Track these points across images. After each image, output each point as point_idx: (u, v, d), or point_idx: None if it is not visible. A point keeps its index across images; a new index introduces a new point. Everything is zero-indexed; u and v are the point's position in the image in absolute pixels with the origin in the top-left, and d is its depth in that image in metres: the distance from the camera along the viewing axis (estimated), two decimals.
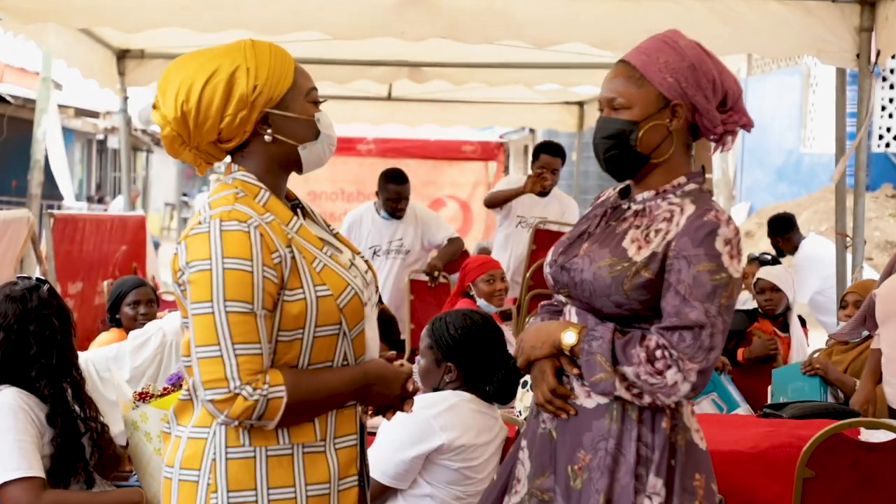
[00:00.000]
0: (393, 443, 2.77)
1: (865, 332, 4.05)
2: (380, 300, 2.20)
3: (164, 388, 2.78)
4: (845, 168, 4.93)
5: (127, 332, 3.98)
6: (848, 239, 5.21)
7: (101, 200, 21.29)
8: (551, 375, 2.11)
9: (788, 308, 4.97)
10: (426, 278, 5.92)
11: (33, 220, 5.11)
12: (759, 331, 4.89)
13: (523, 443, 2.22)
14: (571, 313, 2.14)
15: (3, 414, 2.60)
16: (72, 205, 15.80)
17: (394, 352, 2.14)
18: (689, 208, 2.05)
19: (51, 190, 14.07)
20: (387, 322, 3.86)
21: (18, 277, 2.87)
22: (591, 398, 2.07)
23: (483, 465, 2.85)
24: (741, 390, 4.40)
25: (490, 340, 2.94)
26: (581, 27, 4.77)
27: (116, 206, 16.77)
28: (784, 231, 6.78)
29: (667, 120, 2.08)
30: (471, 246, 8.28)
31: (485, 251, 7.19)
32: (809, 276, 6.36)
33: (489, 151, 10.16)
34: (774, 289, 4.90)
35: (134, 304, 4.30)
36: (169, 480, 1.95)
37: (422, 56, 6.65)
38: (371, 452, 2.58)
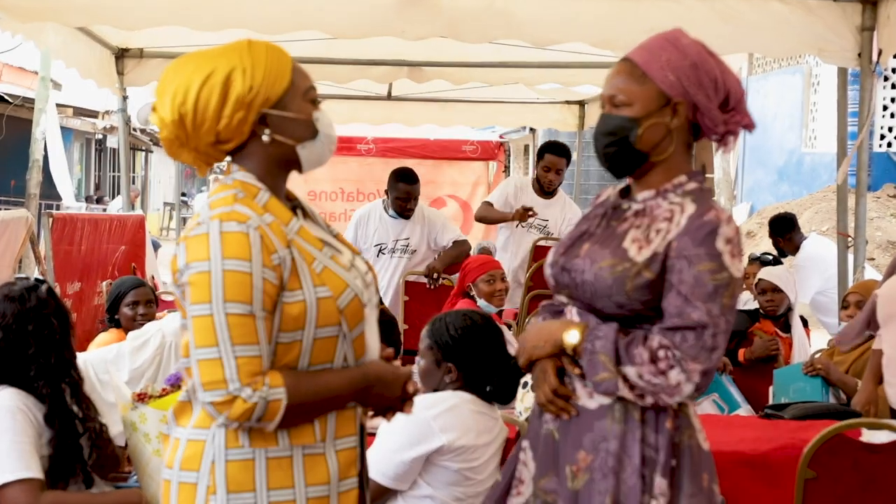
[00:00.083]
0: (393, 444, 2.76)
1: (867, 333, 4.04)
2: (380, 301, 2.19)
3: (163, 389, 2.77)
4: (849, 167, 4.92)
5: (126, 333, 3.97)
6: (849, 239, 5.20)
7: (99, 200, 21.30)
8: (553, 375, 2.10)
9: (790, 308, 4.96)
10: (424, 280, 5.91)
11: (32, 220, 5.09)
12: (761, 331, 4.88)
13: (525, 443, 2.21)
14: (573, 314, 2.13)
15: (1, 415, 2.59)
16: (71, 205, 15.80)
17: (391, 349, 2.12)
18: (690, 207, 2.04)
19: (49, 190, 14.08)
20: (387, 323, 3.84)
21: (17, 277, 2.86)
22: (593, 399, 2.07)
23: (483, 466, 2.84)
24: (742, 391, 4.39)
25: (490, 341, 2.93)
26: (581, 27, 4.76)
27: (115, 206, 16.77)
28: (785, 231, 6.77)
29: (667, 118, 2.07)
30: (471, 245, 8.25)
31: (485, 251, 7.18)
32: (811, 277, 6.36)
33: (489, 151, 10.15)
34: (776, 289, 4.89)
35: (133, 304, 4.29)
36: (168, 482, 1.95)
37: (422, 55, 6.64)
38: (371, 453, 2.57)
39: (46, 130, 5.94)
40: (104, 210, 17.87)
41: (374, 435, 2.79)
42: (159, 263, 8.03)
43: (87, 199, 21.14)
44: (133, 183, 24.15)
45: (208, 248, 1.86)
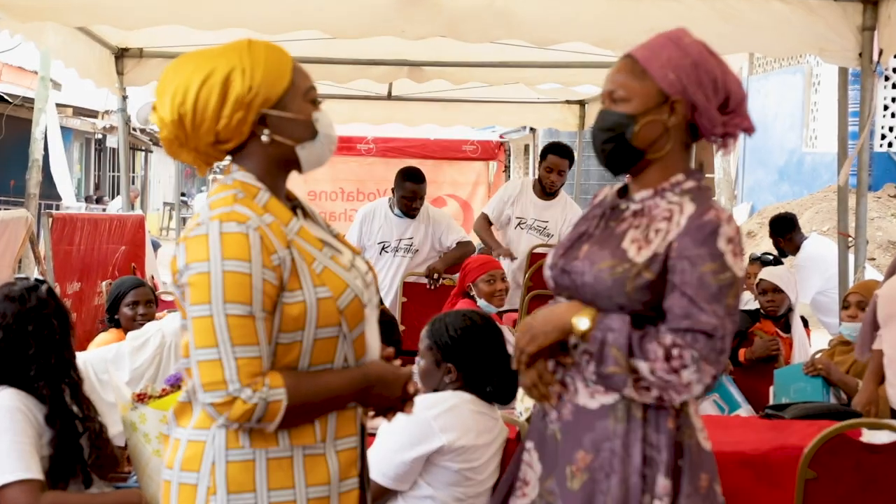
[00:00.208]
0: (393, 444, 2.76)
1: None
2: (380, 301, 2.18)
3: (163, 389, 2.77)
4: (858, 171, 4.91)
5: (126, 333, 3.96)
6: (850, 239, 5.20)
7: (99, 200, 21.29)
8: (543, 361, 2.09)
9: (790, 308, 4.95)
10: (423, 280, 5.91)
11: (31, 220, 5.09)
12: (761, 331, 4.88)
13: (529, 444, 2.20)
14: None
15: (1, 415, 2.59)
16: (70, 205, 15.80)
17: (391, 349, 2.11)
18: (689, 207, 2.03)
19: (49, 190, 14.08)
20: (388, 323, 3.84)
21: (17, 277, 2.86)
22: (594, 398, 2.06)
23: (483, 467, 2.84)
24: (743, 391, 4.39)
25: (490, 341, 2.93)
26: (582, 26, 4.75)
27: (115, 206, 16.77)
28: (786, 231, 6.77)
29: (665, 116, 2.07)
30: None
31: (485, 251, 7.17)
32: (811, 277, 6.35)
33: (489, 151, 10.15)
34: (777, 289, 4.89)
35: (133, 304, 4.29)
36: (168, 483, 1.95)
37: (422, 55, 6.64)
38: (371, 454, 2.57)
39: (47, 130, 5.94)
40: (104, 210, 17.87)
41: (374, 435, 2.79)
42: (159, 263, 8.02)
43: (87, 199, 21.13)
44: (133, 183, 24.16)
45: (208, 249, 1.86)
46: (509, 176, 18.43)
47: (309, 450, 1.93)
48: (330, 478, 1.94)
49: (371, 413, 2.07)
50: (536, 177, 6.49)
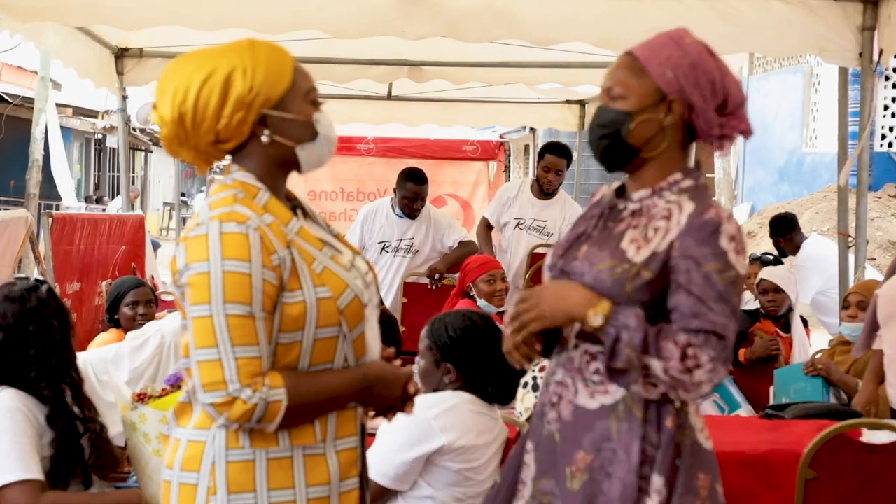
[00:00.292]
0: (393, 444, 2.76)
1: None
2: (381, 301, 2.18)
3: (163, 389, 2.77)
4: (858, 171, 4.91)
5: (126, 333, 3.96)
6: (850, 239, 5.19)
7: (99, 200, 21.29)
8: (528, 331, 2.07)
9: (791, 308, 4.95)
10: (423, 281, 5.90)
11: (31, 221, 5.09)
12: (761, 331, 4.88)
13: (529, 445, 2.20)
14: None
15: (1, 415, 2.59)
16: (70, 204, 15.79)
17: (392, 349, 2.11)
18: (688, 206, 2.03)
19: (49, 190, 14.07)
20: (388, 323, 3.84)
21: (17, 278, 2.85)
22: (594, 399, 2.06)
23: (484, 467, 2.84)
24: (743, 391, 4.39)
25: (489, 341, 2.92)
26: (582, 26, 4.75)
27: (115, 206, 16.77)
28: (786, 231, 6.77)
29: (661, 115, 2.07)
30: None
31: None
32: (811, 277, 6.35)
33: (490, 151, 10.13)
34: (777, 289, 4.89)
35: (133, 304, 4.29)
36: (168, 483, 1.95)
37: (422, 55, 6.64)
38: (371, 454, 2.57)
39: (47, 130, 5.94)
40: (104, 210, 17.87)
41: (374, 435, 2.78)
42: (159, 263, 8.02)
43: (87, 199, 21.13)
44: (133, 183, 24.17)
45: (208, 249, 1.86)
46: (509, 176, 18.43)
47: (309, 450, 1.93)
48: (330, 478, 1.94)
49: (371, 413, 2.07)
50: (535, 177, 6.49)
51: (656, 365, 1.95)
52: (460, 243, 6.05)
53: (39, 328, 2.68)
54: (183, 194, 26.99)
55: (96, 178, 25.55)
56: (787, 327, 4.95)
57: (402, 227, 6.02)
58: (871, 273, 6.25)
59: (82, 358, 3.33)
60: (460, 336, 2.88)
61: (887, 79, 14.23)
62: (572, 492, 2.04)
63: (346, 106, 8.43)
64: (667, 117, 2.07)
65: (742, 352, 4.81)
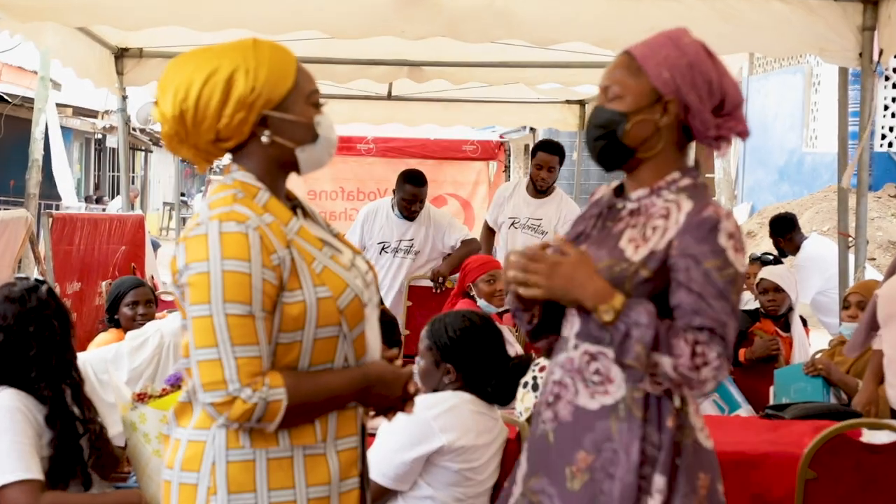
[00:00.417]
0: (393, 444, 2.76)
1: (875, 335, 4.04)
2: (381, 301, 2.18)
3: (163, 389, 2.76)
4: (858, 171, 4.90)
5: (125, 333, 3.96)
6: (850, 239, 5.19)
7: (99, 200, 21.28)
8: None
9: (791, 308, 4.95)
10: (429, 284, 5.89)
11: (31, 221, 5.09)
12: (761, 331, 4.88)
13: (525, 444, 2.21)
14: (573, 314, 2.12)
15: (1, 416, 2.58)
16: (70, 204, 15.79)
17: (395, 350, 2.11)
18: (687, 204, 2.03)
19: (49, 190, 14.07)
20: (388, 323, 3.84)
21: (17, 278, 2.85)
22: (594, 399, 2.06)
23: (483, 467, 2.84)
24: (743, 391, 4.39)
25: (489, 341, 2.93)
26: (582, 26, 4.75)
27: (115, 206, 16.77)
28: (786, 231, 6.76)
29: (657, 115, 2.06)
30: None
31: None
32: (811, 277, 6.35)
33: (490, 151, 10.13)
34: (777, 289, 4.89)
35: (132, 304, 4.28)
36: (169, 483, 1.95)
37: (422, 55, 6.63)
38: (371, 454, 2.57)
39: (47, 130, 5.94)
40: (103, 210, 17.87)
41: (374, 435, 2.78)
42: (159, 263, 8.02)
43: (87, 199, 21.12)
44: (132, 183, 24.17)
45: (207, 249, 1.86)
46: (509, 176, 18.43)
47: (309, 450, 1.92)
48: (330, 478, 1.93)
49: (371, 413, 2.07)
50: (528, 175, 6.47)
51: (666, 362, 1.95)
52: (462, 242, 6.04)
53: (40, 328, 2.68)
54: (183, 194, 26.99)
55: (96, 178, 25.55)
56: (786, 327, 4.95)
57: (402, 228, 6.02)
58: (871, 273, 6.25)
59: (82, 358, 3.33)
60: (460, 336, 2.88)
61: (887, 79, 14.23)
62: (573, 492, 2.04)
63: (346, 106, 8.43)
64: (663, 118, 2.06)
65: (742, 352, 4.80)
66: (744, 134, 2.10)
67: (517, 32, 4.81)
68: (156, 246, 9.65)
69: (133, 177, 25.68)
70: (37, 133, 5.47)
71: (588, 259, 2.02)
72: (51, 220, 5.45)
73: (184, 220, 11.63)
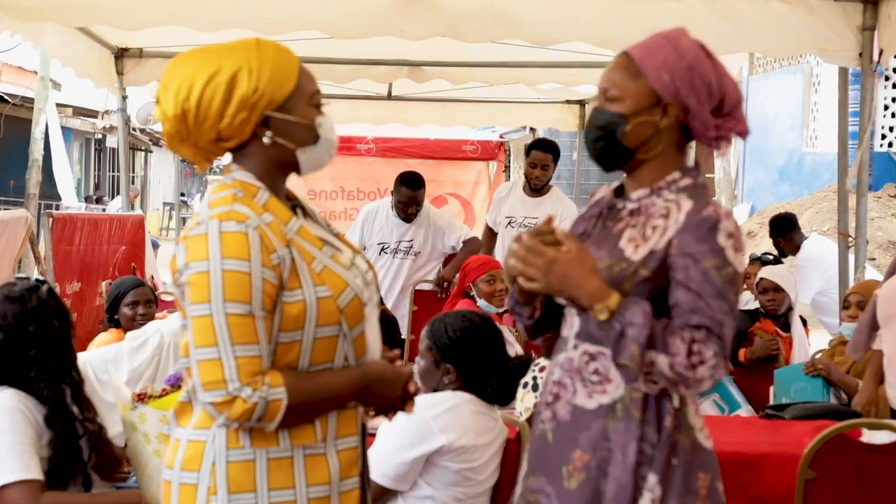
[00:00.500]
0: (393, 444, 2.76)
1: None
2: (381, 300, 2.18)
3: (163, 389, 2.76)
4: (857, 171, 4.90)
5: (125, 333, 3.96)
6: (850, 239, 5.20)
7: (99, 200, 21.28)
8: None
9: (790, 308, 4.95)
10: (434, 289, 5.89)
11: (31, 221, 5.09)
12: (761, 331, 4.88)
13: (528, 445, 2.21)
14: (572, 315, 2.12)
15: (1, 416, 2.58)
16: (70, 204, 15.79)
17: (397, 351, 2.11)
18: (687, 204, 2.03)
19: (49, 190, 14.07)
20: (388, 323, 3.85)
21: (17, 278, 2.85)
22: (592, 399, 2.06)
23: (483, 467, 2.84)
24: (743, 391, 4.39)
25: (489, 341, 2.93)
26: (582, 26, 4.75)
27: (115, 206, 16.77)
28: (786, 231, 6.76)
29: (657, 117, 2.06)
30: None
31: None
32: (811, 277, 6.35)
33: (490, 151, 10.13)
34: (777, 289, 4.89)
35: (132, 304, 4.28)
36: (169, 483, 1.94)
37: (422, 55, 6.64)
38: (371, 454, 2.56)
39: (48, 130, 5.94)
40: (104, 210, 17.86)
41: (374, 435, 2.78)
42: (159, 263, 8.02)
43: (87, 199, 21.12)
44: (132, 183, 24.17)
45: (207, 248, 1.86)
46: (509, 176, 18.42)
47: (309, 449, 1.92)
48: (331, 477, 1.93)
49: (371, 412, 2.07)
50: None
51: (662, 360, 1.95)
52: (464, 243, 6.05)
53: (40, 328, 2.68)
54: (183, 194, 26.99)
55: (96, 178, 25.55)
56: (786, 327, 4.95)
57: (402, 228, 6.03)
58: (871, 273, 6.25)
59: (82, 358, 3.33)
60: (460, 336, 2.88)
61: (887, 79, 14.23)
62: (569, 491, 2.04)
63: (346, 106, 8.43)
64: (662, 120, 2.06)
65: (742, 352, 4.81)
66: (743, 133, 2.10)
67: (517, 32, 4.81)
68: (155, 245, 9.65)
69: (133, 177, 25.68)
70: (37, 133, 5.48)
71: (587, 256, 2.02)
72: (51, 220, 5.45)
73: (184, 220, 11.63)
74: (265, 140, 1.96)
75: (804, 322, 5.16)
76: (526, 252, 2.01)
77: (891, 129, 14.40)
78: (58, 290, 4.84)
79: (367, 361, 2.00)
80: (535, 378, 3.49)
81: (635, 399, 2.02)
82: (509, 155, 17.38)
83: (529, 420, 2.78)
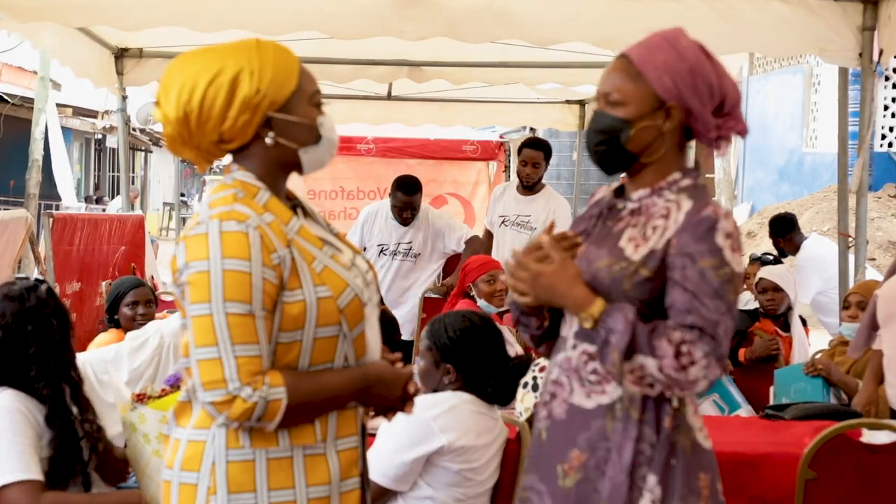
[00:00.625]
0: (393, 445, 2.76)
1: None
2: (381, 300, 2.18)
3: (163, 390, 2.76)
4: (861, 173, 4.90)
5: (125, 333, 3.96)
6: (850, 239, 5.19)
7: (99, 200, 21.28)
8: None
9: (790, 308, 4.95)
10: (439, 296, 5.89)
11: (31, 221, 5.09)
12: (761, 330, 4.88)
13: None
14: (571, 315, 2.12)
15: (1, 416, 2.58)
16: (70, 204, 15.79)
17: (399, 353, 2.11)
18: (687, 204, 2.03)
19: (49, 190, 14.07)
20: (388, 323, 3.84)
21: (17, 277, 2.85)
22: (590, 398, 2.06)
23: (484, 467, 2.84)
24: (743, 391, 4.39)
25: (489, 341, 2.92)
26: (582, 26, 4.75)
27: (115, 206, 16.77)
28: (785, 231, 6.76)
29: (660, 121, 2.06)
30: None
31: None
32: (811, 277, 6.35)
33: (489, 151, 10.13)
34: (776, 288, 4.89)
35: (132, 304, 4.28)
36: (168, 483, 1.95)
37: (422, 55, 6.64)
38: (371, 454, 2.56)
39: (48, 130, 5.94)
40: (103, 210, 17.86)
41: (374, 435, 2.78)
42: (158, 263, 8.02)
43: (87, 199, 21.12)
44: (132, 183, 24.16)
45: (208, 248, 1.86)
46: (509, 176, 18.40)
47: (309, 450, 1.92)
48: (331, 477, 1.93)
49: (371, 413, 2.07)
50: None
51: (651, 363, 1.95)
52: (466, 244, 6.05)
53: (38, 327, 2.68)
54: (183, 194, 26.99)
55: (96, 178, 25.55)
56: (786, 326, 4.95)
57: (400, 230, 6.04)
58: (871, 273, 6.25)
59: (82, 358, 3.32)
60: (460, 337, 2.88)
61: (887, 79, 14.23)
62: (565, 489, 2.05)
63: (346, 106, 8.43)
64: (665, 123, 2.06)
65: (742, 352, 4.81)
66: (743, 132, 2.10)
67: (517, 32, 4.81)
68: (151, 241, 9.64)
69: (133, 177, 25.68)
70: (37, 133, 5.48)
71: (570, 266, 2.06)
72: (51, 220, 5.45)
73: (184, 220, 11.63)
74: (268, 141, 1.96)
75: (804, 322, 5.16)
76: (514, 268, 2.07)
77: (891, 129, 14.41)
78: (58, 290, 4.85)
79: (367, 362, 2.00)
80: (535, 378, 3.49)
81: (634, 399, 2.02)
82: (509, 155, 17.36)
83: (529, 420, 2.78)
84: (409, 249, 6.04)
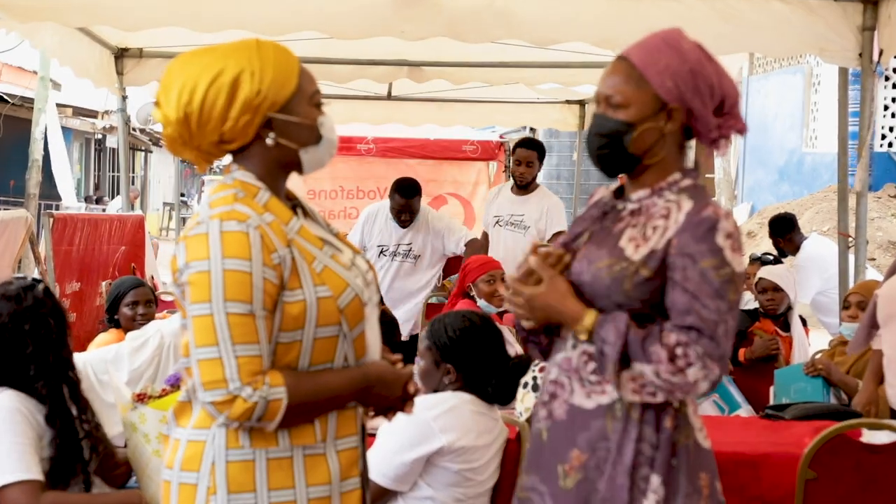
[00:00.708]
0: (393, 445, 2.76)
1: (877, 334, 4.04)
2: (381, 300, 2.18)
3: (163, 390, 2.76)
4: (864, 175, 4.90)
5: (125, 333, 3.96)
6: (850, 239, 5.20)
7: (99, 200, 21.28)
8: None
9: (790, 308, 4.95)
10: (444, 300, 5.89)
11: (31, 221, 5.09)
12: (761, 330, 4.88)
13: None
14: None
15: (1, 416, 2.58)
16: (70, 204, 15.79)
17: (399, 354, 2.12)
18: (687, 204, 2.03)
19: (49, 190, 14.08)
20: (388, 324, 3.84)
21: (14, 277, 2.85)
22: (590, 398, 2.06)
23: (484, 467, 2.84)
24: (743, 391, 4.39)
25: (489, 341, 2.92)
26: (582, 26, 4.75)
27: (115, 206, 16.77)
28: (785, 231, 6.77)
29: (662, 123, 2.06)
30: None
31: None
32: (811, 277, 6.35)
33: (489, 151, 10.12)
34: (776, 288, 4.89)
35: (132, 304, 4.28)
36: (168, 483, 1.95)
37: (422, 55, 6.64)
38: (371, 454, 2.56)
39: (47, 130, 5.95)
40: (104, 210, 17.86)
41: (374, 436, 2.78)
42: (159, 263, 8.02)
43: (87, 199, 21.12)
44: (132, 183, 24.16)
45: (208, 248, 1.86)
46: (509, 176, 18.41)
47: (309, 450, 1.92)
48: (331, 478, 1.93)
49: (371, 413, 2.07)
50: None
51: (648, 370, 1.96)
52: (466, 246, 6.06)
53: (35, 326, 2.67)
54: (183, 194, 26.99)
55: (96, 178, 25.54)
56: (786, 326, 4.95)
57: (400, 231, 6.05)
58: (872, 273, 6.25)
59: (82, 358, 3.33)
60: (460, 336, 2.88)
61: (887, 79, 14.24)
62: (565, 490, 2.05)
63: (346, 106, 8.43)
64: (667, 125, 2.07)
65: (742, 352, 4.81)
66: (742, 131, 2.11)
67: (517, 32, 4.81)
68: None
69: (133, 177, 25.68)
70: (37, 133, 5.48)
71: (559, 283, 2.09)
72: (51, 220, 5.45)
73: (184, 220, 11.63)
74: (268, 141, 1.96)
75: (804, 322, 5.17)
76: (510, 294, 2.12)
77: (891, 129, 14.41)
78: (58, 290, 4.85)
79: (367, 362, 2.00)
80: (535, 378, 3.49)
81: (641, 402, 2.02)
82: (509, 155, 17.37)
83: (529, 420, 2.78)
84: (409, 251, 6.05)
